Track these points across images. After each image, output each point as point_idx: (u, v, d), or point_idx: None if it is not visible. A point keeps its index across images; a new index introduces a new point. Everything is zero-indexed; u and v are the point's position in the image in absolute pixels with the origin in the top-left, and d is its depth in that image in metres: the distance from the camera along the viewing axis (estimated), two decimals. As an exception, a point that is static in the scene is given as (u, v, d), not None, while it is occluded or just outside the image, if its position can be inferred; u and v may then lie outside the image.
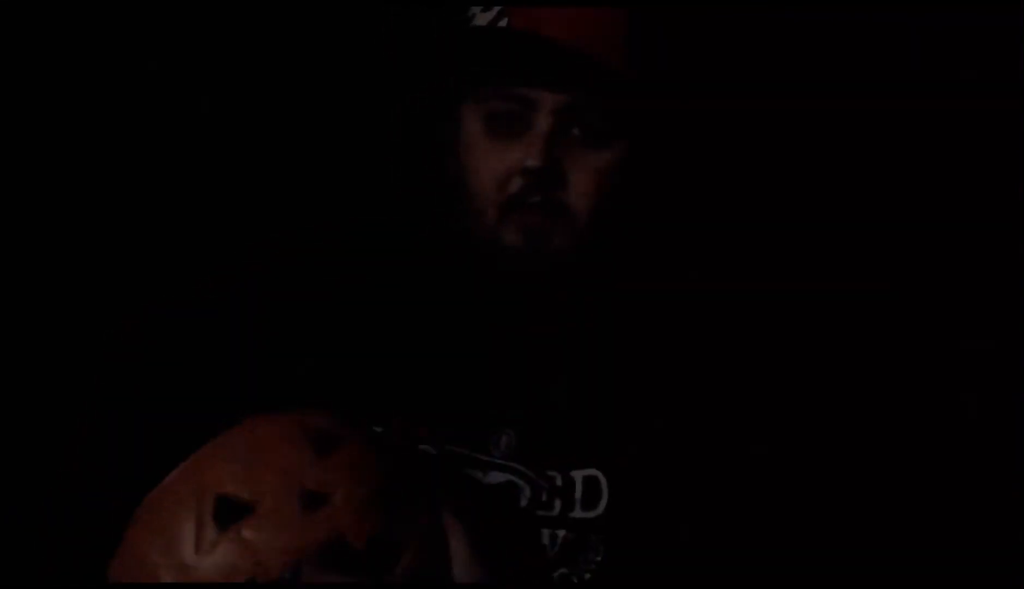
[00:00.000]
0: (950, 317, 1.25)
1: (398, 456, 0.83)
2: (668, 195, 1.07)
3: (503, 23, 0.95)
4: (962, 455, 1.22)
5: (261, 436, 0.79)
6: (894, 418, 1.21)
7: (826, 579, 1.01)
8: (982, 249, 1.24)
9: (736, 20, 1.25)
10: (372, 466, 0.79)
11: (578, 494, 0.97)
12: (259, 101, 1.25)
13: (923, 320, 1.25)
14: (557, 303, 1.00)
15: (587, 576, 0.97)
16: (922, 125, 1.25)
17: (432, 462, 0.97)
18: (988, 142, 1.24)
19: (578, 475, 0.98)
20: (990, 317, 1.24)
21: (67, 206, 1.24)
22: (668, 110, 0.99)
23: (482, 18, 0.96)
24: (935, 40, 1.24)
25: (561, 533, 0.97)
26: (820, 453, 1.05)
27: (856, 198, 1.26)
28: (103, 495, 0.89)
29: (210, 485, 0.76)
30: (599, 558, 0.97)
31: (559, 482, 0.97)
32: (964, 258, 1.25)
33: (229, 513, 0.75)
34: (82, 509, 0.92)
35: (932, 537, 1.20)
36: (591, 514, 0.97)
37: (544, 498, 0.97)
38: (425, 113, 1.03)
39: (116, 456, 0.93)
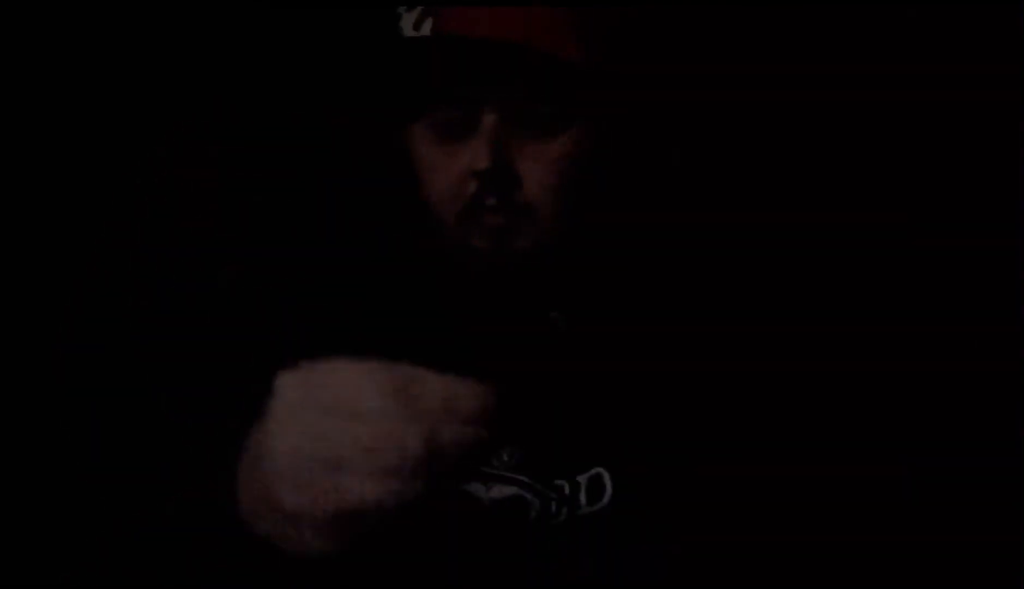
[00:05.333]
0: (949, 315, 1.24)
1: None
2: (637, 180, 1.06)
3: (428, 24, 0.93)
4: (962, 455, 1.22)
5: None
6: (901, 417, 1.20)
7: (828, 564, 1.00)
8: (981, 247, 1.24)
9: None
10: None
11: (583, 495, 0.96)
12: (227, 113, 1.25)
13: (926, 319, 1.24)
14: (539, 307, 0.99)
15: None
16: (913, 119, 1.25)
17: None
18: (986, 138, 1.23)
19: (583, 478, 0.96)
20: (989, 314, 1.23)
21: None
22: (616, 94, 0.97)
23: (407, 19, 0.95)
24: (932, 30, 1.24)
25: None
26: (822, 435, 1.04)
27: (830, 187, 1.26)
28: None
29: None
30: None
31: (567, 490, 0.96)
32: (962, 257, 1.24)
33: None
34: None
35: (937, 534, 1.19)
36: (596, 506, 0.96)
37: (553, 509, 0.96)
38: (374, 131, 1.02)
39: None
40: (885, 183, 1.26)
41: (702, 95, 1.20)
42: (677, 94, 1.16)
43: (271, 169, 1.24)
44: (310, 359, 0.71)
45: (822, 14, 1.25)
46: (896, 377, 1.21)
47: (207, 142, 1.26)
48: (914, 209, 1.24)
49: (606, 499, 0.96)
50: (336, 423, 0.67)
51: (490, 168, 0.91)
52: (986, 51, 1.22)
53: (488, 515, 0.95)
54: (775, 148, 1.26)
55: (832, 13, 1.25)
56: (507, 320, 0.97)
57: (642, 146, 1.10)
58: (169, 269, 1.22)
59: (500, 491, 0.95)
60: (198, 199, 1.25)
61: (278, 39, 1.25)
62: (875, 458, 1.17)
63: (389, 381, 0.68)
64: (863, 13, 1.25)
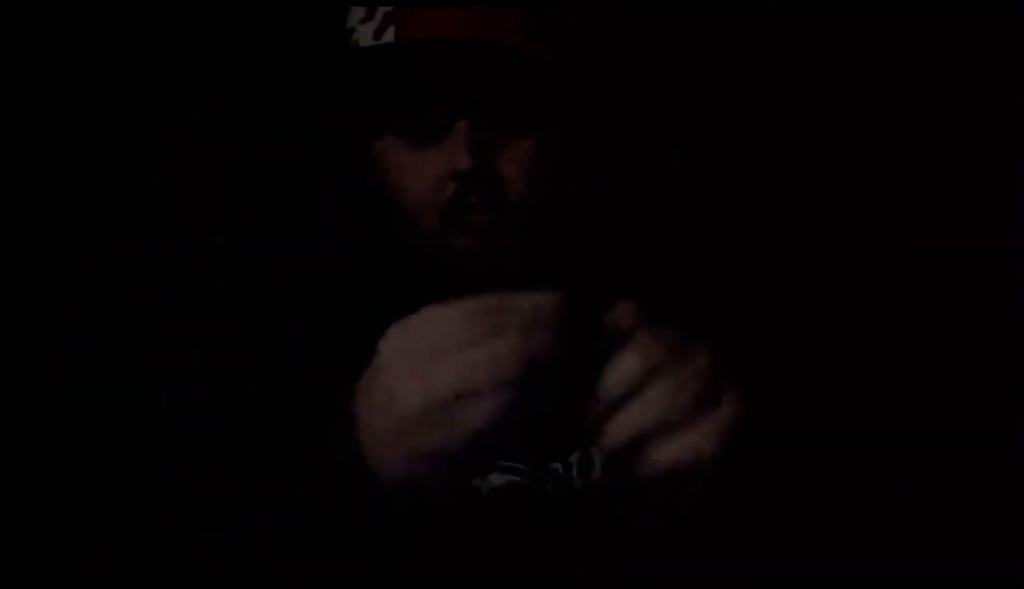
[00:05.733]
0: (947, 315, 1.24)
1: None
2: (631, 180, 1.05)
3: (390, 32, 0.91)
4: (962, 455, 1.22)
5: None
6: (901, 416, 1.20)
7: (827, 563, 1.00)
8: (981, 247, 1.24)
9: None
10: None
11: (575, 472, 0.96)
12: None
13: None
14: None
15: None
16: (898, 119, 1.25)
17: None
18: (986, 138, 1.23)
19: (575, 457, 0.96)
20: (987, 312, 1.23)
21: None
22: (593, 92, 0.97)
23: (364, 30, 0.93)
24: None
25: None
26: (820, 433, 1.04)
27: (830, 187, 1.26)
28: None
29: None
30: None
31: (561, 471, 0.96)
32: (962, 257, 1.24)
33: None
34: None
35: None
36: (589, 481, 0.96)
37: (550, 490, 0.96)
38: (345, 145, 1.01)
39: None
40: (885, 183, 1.25)
41: (685, 95, 1.20)
42: (655, 94, 1.16)
43: (271, 169, 1.24)
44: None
45: (822, 14, 1.25)
46: (895, 377, 1.21)
47: (207, 142, 1.26)
48: (914, 209, 1.24)
49: (597, 472, 0.96)
50: (446, 359, 0.75)
51: (472, 169, 0.90)
52: (986, 51, 1.21)
53: (488, 504, 0.95)
54: (774, 148, 1.26)
55: (832, 13, 1.25)
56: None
57: (629, 144, 1.09)
58: (169, 269, 1.22)
59: (498, 480, 0.95)
60: (198, 199, 1.25)
61: (278, 40, 1.25)
62: (875, 457, 1.17)
63: (479, 310, 0.76)
64: (863, 13, 1.25)
